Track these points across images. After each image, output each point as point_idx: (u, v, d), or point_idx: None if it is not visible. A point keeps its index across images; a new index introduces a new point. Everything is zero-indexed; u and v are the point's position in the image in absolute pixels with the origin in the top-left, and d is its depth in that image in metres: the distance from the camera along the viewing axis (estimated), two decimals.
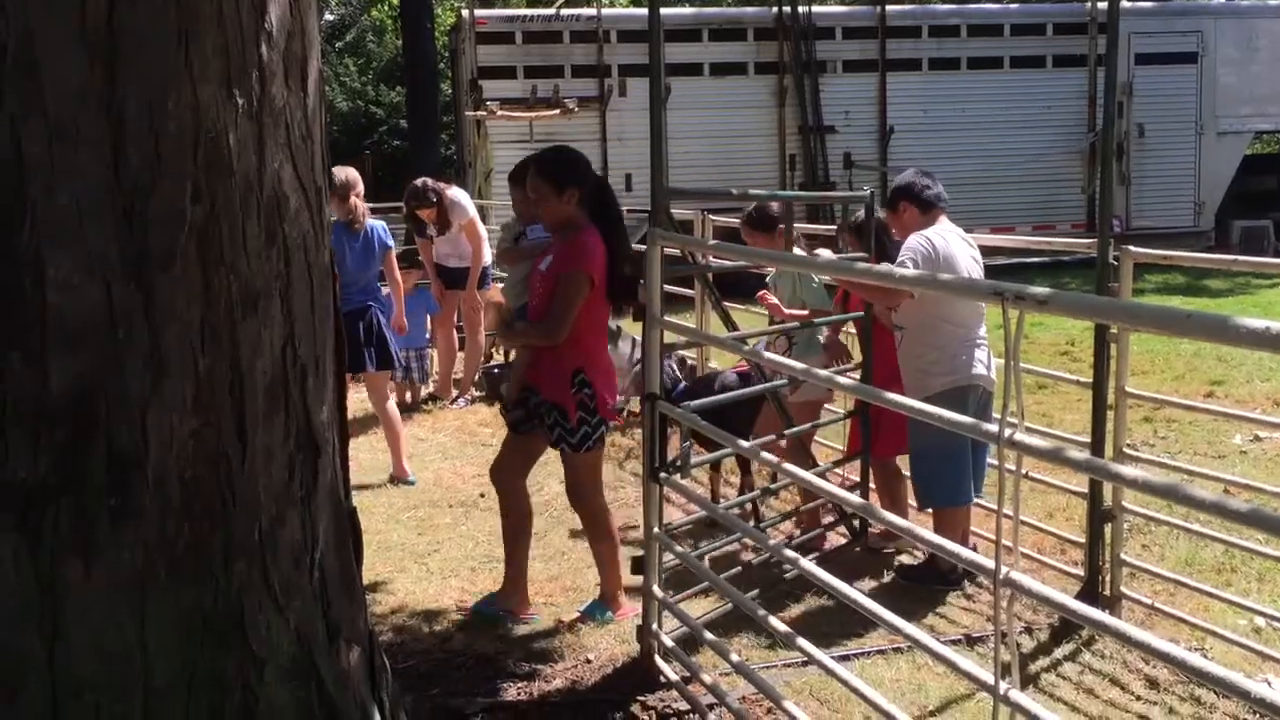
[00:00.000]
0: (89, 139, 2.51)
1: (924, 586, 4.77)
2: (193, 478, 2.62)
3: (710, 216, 8.15)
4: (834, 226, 11.06)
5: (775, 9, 15.60)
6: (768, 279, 5.75)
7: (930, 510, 4.84)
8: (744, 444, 3.77)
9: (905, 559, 5.13)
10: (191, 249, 2.59)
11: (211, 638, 2.66)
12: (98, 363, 2.54)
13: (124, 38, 2.51)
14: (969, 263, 4.67)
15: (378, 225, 6.72)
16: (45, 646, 2.56)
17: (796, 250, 5.23)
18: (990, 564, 2.24)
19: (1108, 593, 4.43)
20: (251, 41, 2.66)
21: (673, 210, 3.99)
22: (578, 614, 4.49)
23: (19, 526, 2.55)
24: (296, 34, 2.79)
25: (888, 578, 4.98)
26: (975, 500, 4.91)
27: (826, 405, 5.71)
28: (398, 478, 6.62)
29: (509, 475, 4.61)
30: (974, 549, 4.58)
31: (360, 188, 6.78)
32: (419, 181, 8.68)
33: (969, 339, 4.62)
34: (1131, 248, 4.39)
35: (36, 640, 2.56)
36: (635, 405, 7.39)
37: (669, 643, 3.84)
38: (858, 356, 5.36)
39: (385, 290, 8.88)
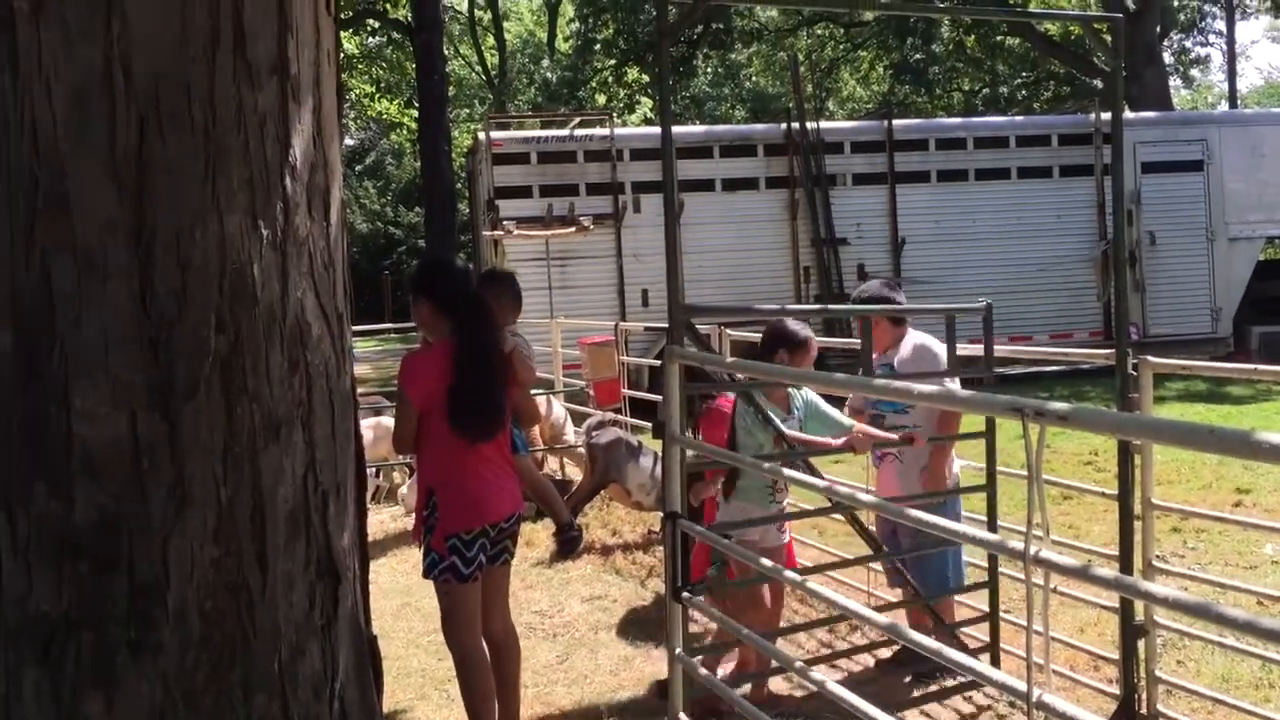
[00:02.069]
0: (117, 271, 2.56)
1: (902, 676, 4.84)
2: (213, 608, 2.61)
3: (728, 331, 8.19)
4: (849, 340, 11.10)
5: (784, 125, 15.91)
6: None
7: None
8: (776, 573, 3.70)
9: (883, 652, 5.05)
10: (215, 378, 2.62)
11: None
12: (121, 492, 2.55)
13: (153, 171, 2.58)
14: None
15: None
16: None
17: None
18: (1022, 686, 2.19)
19: (1145, 711, 4.31)
20: (276, 174, 2.73)
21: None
22: None
23: (41, 660, 2.54)
24: (319, 166, 2.87)
25: (916, 692, 4.87)
26: (1003, 617, 4.83)
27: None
28: None
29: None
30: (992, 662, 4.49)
31: None
32: None
33: None
34: (1150, 357, 4.38)
35: None
36: (657, 523, 7.33)
37: None
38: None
39: None
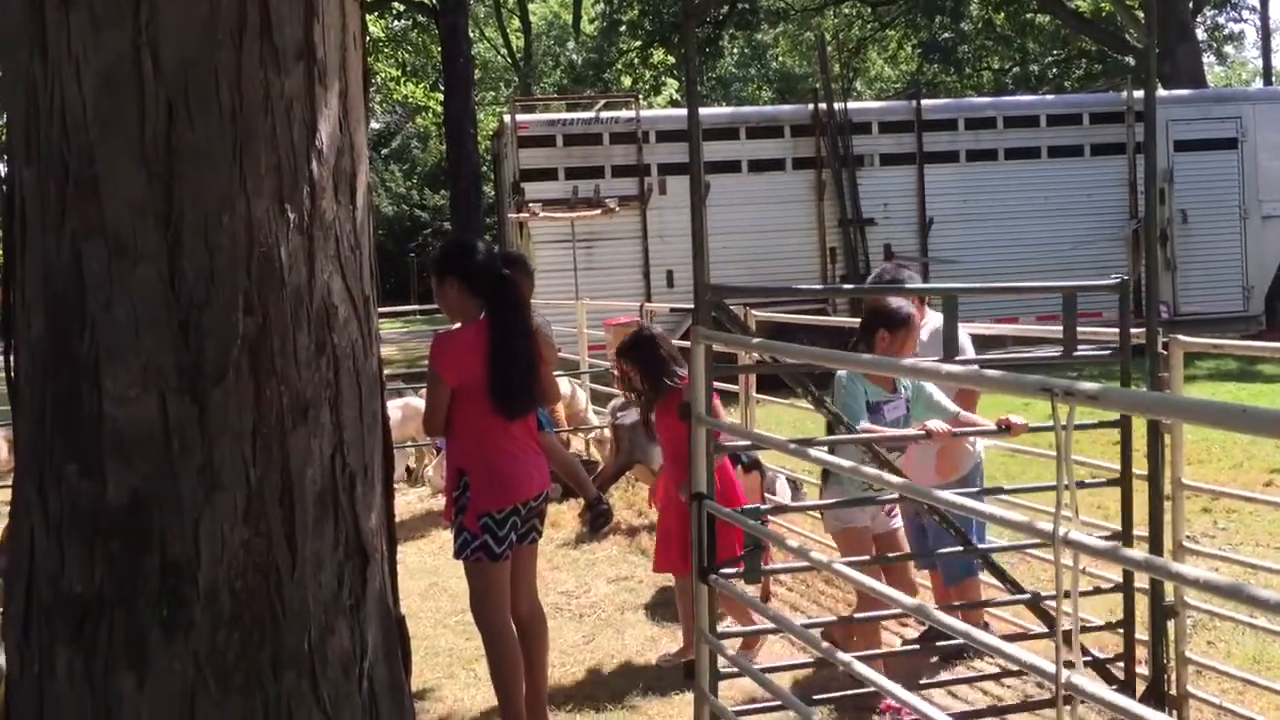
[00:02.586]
0: (146, 254, 2.59)
1: (929, 657, 4.83)
2: (243, 588, 2.64)
3: (753, 312, 8.17)
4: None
5: (811, 106, 15.83)
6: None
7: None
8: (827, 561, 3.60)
9: (910, 631, 5.06)
10: (244, 361, 2.64)
11: None
12: (152, 474, 2.58)
13: (181, 155, 2.60)
14: None
15: None
16: None
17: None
18: (1051, 667, 2.18)
19: (1174, 691, 4.29)
20: (303, 158, 2.74)
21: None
22: None
23: (74, 638, 2.57)
24: (346, 150, 2.88)
25: (945, 676, 4.86)
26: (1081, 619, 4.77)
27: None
28: None
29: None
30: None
31: None
32: None
33: None
34: (1180, 336, 4.34)
35: None
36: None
37: None
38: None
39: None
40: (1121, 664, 4.16)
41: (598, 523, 6.87)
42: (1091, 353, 4.55)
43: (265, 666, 2.66)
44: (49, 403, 2.63)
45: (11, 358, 2.80)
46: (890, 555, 4.71)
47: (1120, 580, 4.29)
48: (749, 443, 4.91)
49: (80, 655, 2.58)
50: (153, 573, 2.57)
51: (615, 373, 10.42)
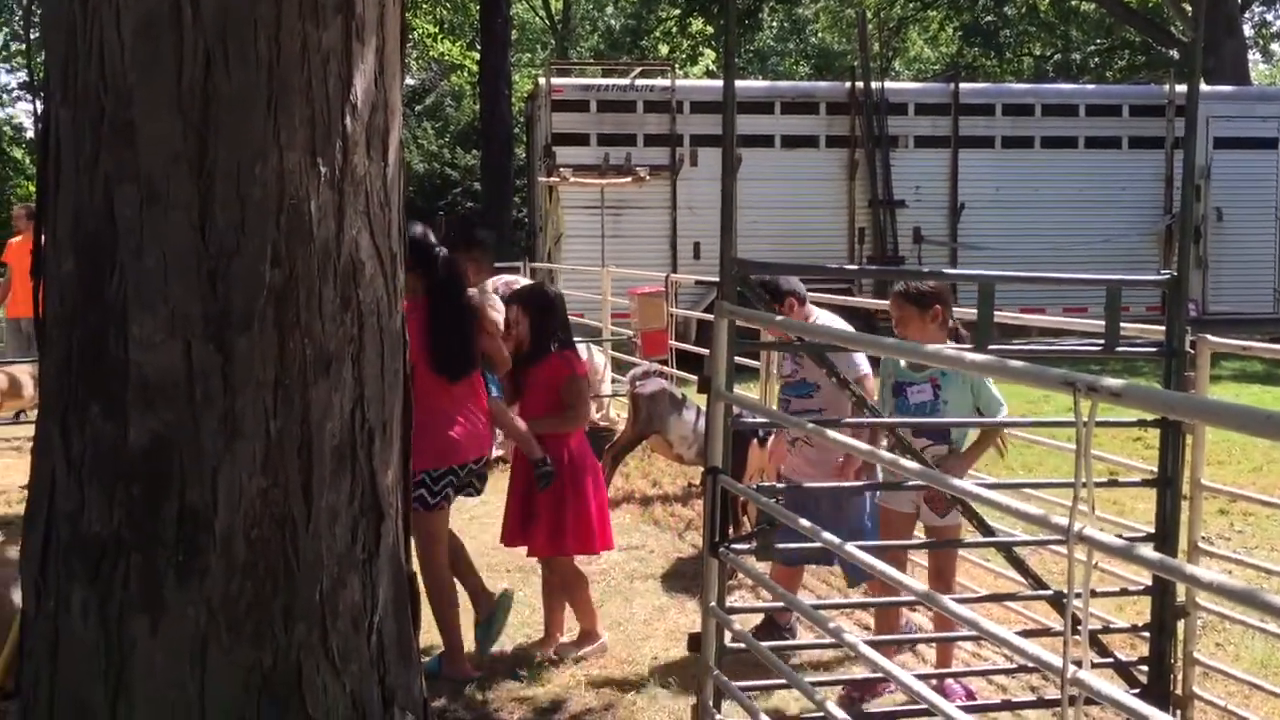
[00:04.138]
0: (179, 201, 2.60)
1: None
2: (259, 537, 2.66)
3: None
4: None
5: (848, 84, 15.69)
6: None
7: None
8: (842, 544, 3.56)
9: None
10: (269, 312, 2.65)
11: (269, 699, 2.68)
12: (174, 420, 2.59)
13: (217, 104, 2.60)
14: None
15: None
16: (108, 700, 2.60)
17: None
18: (1058, 661, 2.18)
19: (1180, 692, 4.28)
20: (337, 113, 2.74)
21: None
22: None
23: (90, 580, 2.60)
24: (380, 106, 2.87)
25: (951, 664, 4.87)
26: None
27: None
28: None
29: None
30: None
31: None
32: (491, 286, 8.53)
33: None
34: (1209, 336, 4.30)
35: (100, 694, 2.60)
36: (697, 477, 7.35)
37: None
38: None
39: None
40: (1144, 667, 4.16)
41: (542, 482, 7.06)
42: (1136, 349, 4.50)
43: (277, 616, 2.68)
44: (75, 344, 2.65)
45: (40, 296, 2.82)
46: (911, 543, 4.69)
47: (1149, 583, 4.26)
48: (766, 420, 4.90)
49: (95, 596, 2.61)
50: (170, 518, 2.60)
51: (638, 342, 10.42)
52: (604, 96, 15.26)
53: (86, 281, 2.63)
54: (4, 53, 33.06)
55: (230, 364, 2.62)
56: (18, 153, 35.35)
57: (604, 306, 10.88)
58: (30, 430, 3.36)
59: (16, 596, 3.10)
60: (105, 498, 2.60)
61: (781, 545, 3.92)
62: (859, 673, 4.56)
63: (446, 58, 26.32)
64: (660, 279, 10.62)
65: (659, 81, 15.47)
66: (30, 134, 34.80)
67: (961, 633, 4.77)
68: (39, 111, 2.86)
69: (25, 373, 8.82)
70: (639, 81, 15.40)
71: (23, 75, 35.50)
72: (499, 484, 7.81)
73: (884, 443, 4.41)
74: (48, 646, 2.69)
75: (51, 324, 2.75)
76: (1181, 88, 15.89)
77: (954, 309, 4.71)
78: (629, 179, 14.60)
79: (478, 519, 7.20)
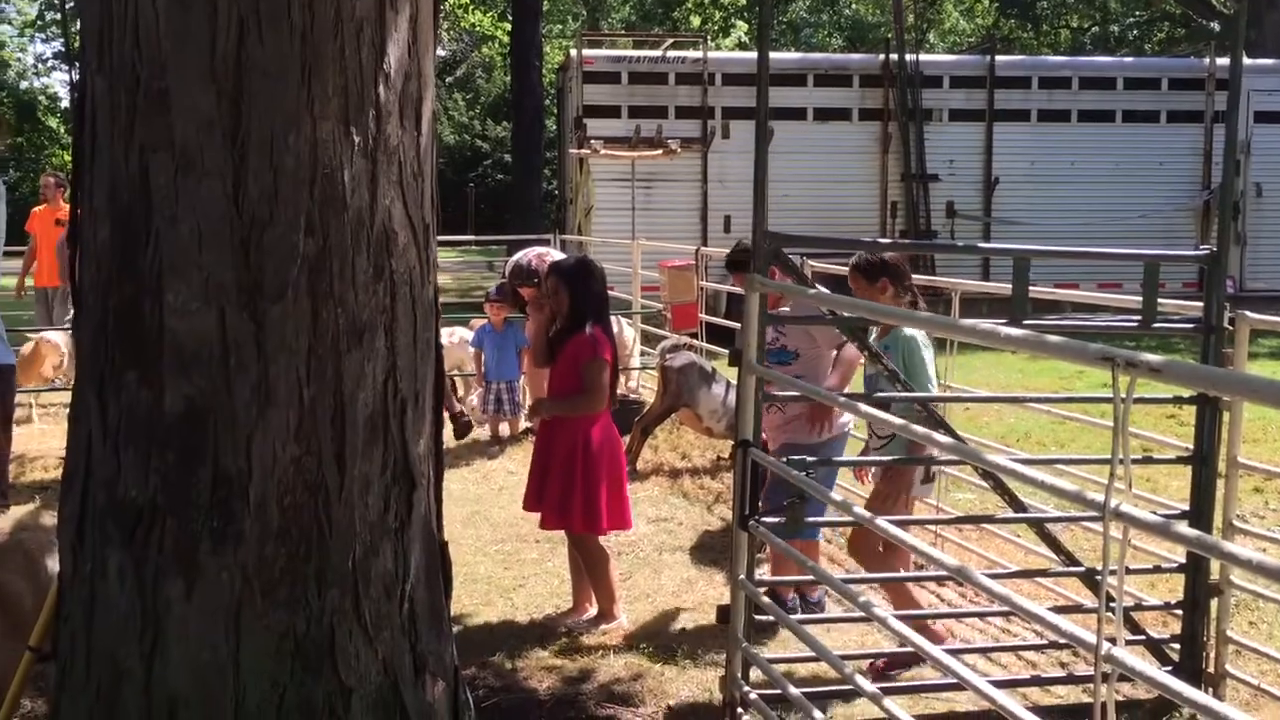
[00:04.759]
0: (212, 170, 2.60)
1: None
2: (292, 504, 2.68)
3: (810, 263, 8.10)
4: (935, 277, 10.91)
5: (882, 56, 15.54)
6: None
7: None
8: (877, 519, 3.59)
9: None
10: (303, 281, 2.66)
11: (302, 663, 2.70)
12: (209, 387, 2.61)
13: (251, 73, 2.60)
14: None
15: None
16: (144, 662, 2.63)
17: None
18: (1091, 638, 2.17)
19: (1211, 669, 4.26)
20: (370, 81, 2.74)
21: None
22: None
23: (126, 544, 2.63)
24: (413, 75, 2.86)
25: (980, 641, 4.86)
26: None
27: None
28: None
29: None
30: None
31: None
32: (525, 261, 8.47)
33: None
34: (1248, 313, 4.24)
35: (136, 655, 2.63)
36: (726, 450, 7.35)
37: (753, 695, 3.79)
38: None
39: (482, 320, 9.05)
40: (1176, 645, 4.14)
41: (459, 432, 8.29)
42: (1173, 325, 4.46)
43: (310, 582, 2.70)
44: (111, 311, 2.67)
45: (77, 264, 2.84)
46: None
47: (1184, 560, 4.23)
48: (797, 394, 4.89)
49: (131, 560, 2.64)
50: (204, 484, 2.62)
51: (668, 315, 10.41)
52: (635, 68, 15.20)
53: (122, 249, 2.65)
54: (39, 22, 33.29)
55: (264, 332, 2.63)
56: (53, 122, 35.67)
57: (634, 279, 10.87)
58: (66, 397, 3.40)
59: (53, 561, 3.15)
60: (140, 464, 2.63)
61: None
62: (885, 645, 4.56)
63: (477, 29, 26.24)
64: (691, 252, 10.59)
65: (691, 53, 15.39)
66: (65, 103, 35.10)
67: (994, 608, 4.76)
68: (74, 81, 2.87)
69: (56, 342, 8.91)
70: (670, 53, 15.32)
71: (58, 45, 35.78)
72: (530, 455, 7.83)
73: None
74: (84, 610, 2.73)
75: (87, 291, 2.77)
76: (1222, 61, 15.64)
77: (914, 280, 4.83)
78: (660, 151, 14.55)
79: (507, 490, 7.24)
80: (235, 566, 2.64)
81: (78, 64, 2.84)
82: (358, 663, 2.77)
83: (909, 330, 4.56)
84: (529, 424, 7.53)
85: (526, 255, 8.41)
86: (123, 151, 2.64)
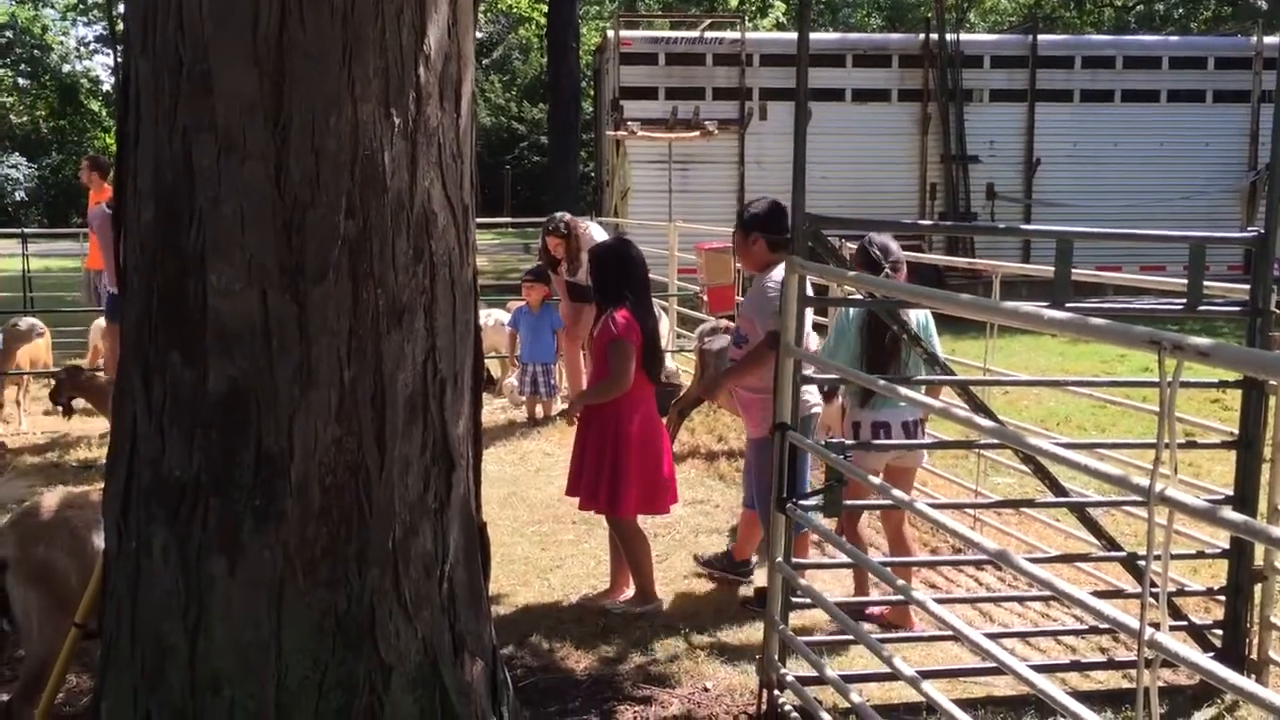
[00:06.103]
0: (255, 152, 2.62)
1: (717, 573, 5.22)
2: (333, 484, 2.70)
3: (848, 245, 8.04)
4: (973, 260, 10.79)
5: (922, 36, 15.39)
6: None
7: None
8: (897, 494, 3.57)
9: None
10: (344, 262, 2.67)
11: (343, 641, 2.73)
12: (251, 368, 2.63)
13: (292, 55, 2.61)
14: None
15: None
16: (188, 639, 2.66)
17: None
18: (1134, 623, 2.15)
19: (1254, 656, 4.21)
20: (410, 63, 2.74)
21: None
22: None
23: (170, 522, 2.67)
24: (453, 57, 2.87)
25: (1018, 624, 4.83)
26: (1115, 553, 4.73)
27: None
28: None
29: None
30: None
31: None
32: (558, 214, 8.99)
33: None
34: None
35: (180, 632, 2.67)
36: None
37: (789, 676, 3.79)
38: None
39: (519, 302, 9.08)
40: (1219, 631, 4.10)
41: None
42: (1218, 308, 4.41)
43: (351, 561, 2.73)
44: (155, 292, 2.70)
45: (121, 246, 2.87)
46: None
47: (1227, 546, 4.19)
48: (834, 376, 4.87)
49: (175, 538, 2.67)
50: (247, 463, 2.64)
51: (704, 298, 10.38)
52: (672, 49, 15.13)
53: (166, 230, 2.67)
54: (81, 6, 33.61)
55: (305, 313, 2.65)
56: (95, 105, 36.04)
57: (671, 262, 10.84)
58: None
59: (99, 539, 3.19)
60: (184, 443, 2.66)
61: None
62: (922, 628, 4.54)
63: (514, 10, 26.22)
64: (728, 234, 10.54)
65: (728, 34, 15.30)
66: (107, 87, 35.46)
67: (1032, 593, 4.73)
68: (118, 63, 2.89)
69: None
70: (708, 34, 15.24)
71: (100, 28, 36.11)
72: (567, 437, 7.87)
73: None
74: (129, 586, 2.77)
75: (132, 272, 2.80)
76: (1270, 39, 15.36)
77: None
78: (697, 133, 14.50)
79: (543, 471, 7.27)
80: (277, 545, 2.67)
81: (121, 47, 2.87)
82: (398, 641, 2.80)
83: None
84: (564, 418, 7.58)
85: (562, 212, 8.99)
86: (166, 133, 2.66)
